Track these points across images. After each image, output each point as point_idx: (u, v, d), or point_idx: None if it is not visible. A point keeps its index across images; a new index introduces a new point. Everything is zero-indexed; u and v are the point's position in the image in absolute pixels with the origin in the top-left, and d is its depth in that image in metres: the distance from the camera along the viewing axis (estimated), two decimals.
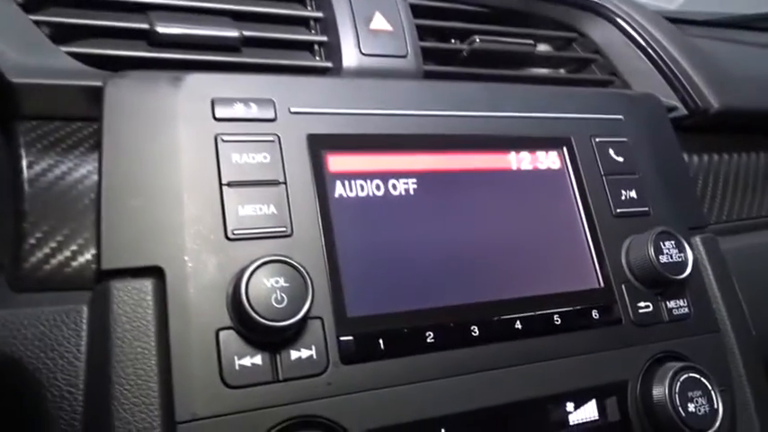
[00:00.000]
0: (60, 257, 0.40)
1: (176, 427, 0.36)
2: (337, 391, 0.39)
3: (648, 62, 0.64)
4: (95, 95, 0.41)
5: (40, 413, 0.37)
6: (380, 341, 0.41)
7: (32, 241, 0.40)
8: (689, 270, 0.49)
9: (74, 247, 0.40)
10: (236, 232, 0.40)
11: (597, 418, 0.46)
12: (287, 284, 0.38)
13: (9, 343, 0.36)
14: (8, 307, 0.37)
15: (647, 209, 0.53)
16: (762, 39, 0.78)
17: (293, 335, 0.39)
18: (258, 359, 0.38)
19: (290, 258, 0.39)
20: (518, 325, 0.45)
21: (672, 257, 0.49)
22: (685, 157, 0.63)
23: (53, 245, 0.40)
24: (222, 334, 0.38)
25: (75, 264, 0.40)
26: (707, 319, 0.52)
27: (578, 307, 0.47)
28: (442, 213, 0.46)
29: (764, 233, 0.63)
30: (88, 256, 0.40)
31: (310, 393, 0.38)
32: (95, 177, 0.41)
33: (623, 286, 0.50)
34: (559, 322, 0.46)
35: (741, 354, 0.53)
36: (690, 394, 0.47)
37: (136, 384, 0.36)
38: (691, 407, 0.46)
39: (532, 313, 0.46)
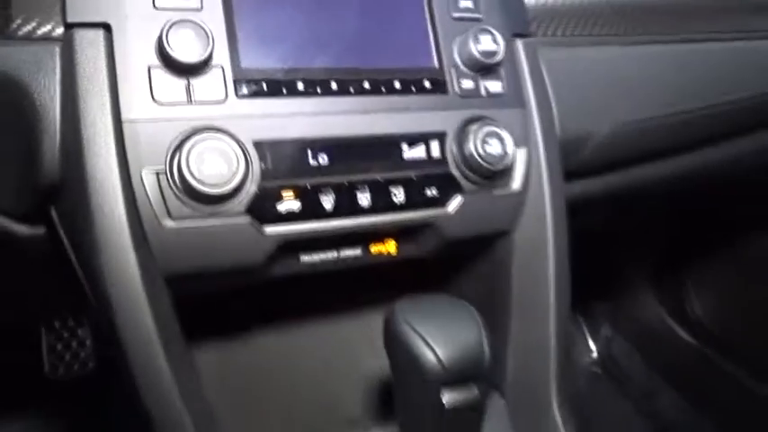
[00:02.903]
0: (40, 30, 0.57)
1: (122, 125, 0.55)
2: (233, 114, 0.58)
3: None
4: None
5: (30, 120, 0.56)
6: (264, 84, 0.60)
7: (18, 21, 0.57)
8: (500, 56, 0.68)
9: (50, 24, 0.57)
10: (158, 5, 0.57)
11: (425, 156, 0.67)
12: (196, 36, 0.56)
13: (10, 66, 0.54)
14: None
15: (479, 16, 0.71)
16: None
17: (201, 72, 0.57)
18: (179, 87, 0.57)
19: (199, 21, 0.57)
20: (366, 85, 0.64)
21: (488, 47, 0.68)
22: None
23: (34, 24, 0.57)
24: (152, 69, 0.56)
25: (52, 32, 0.57)
26: (516, 98, 0.72)
27: (416, 77, 0.67)
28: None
29: (582, 49, 0.82)
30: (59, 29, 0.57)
31: (214, 113, 0.58)
32: None
33: (452, 68, 0.69)
34: (399, 87, 0.66)
35: (541, 127, 0.73)
36: (489, 140, 0.67)
37: (93, 95, 0.55)
38: (488, 148, 0.67)
39: (377, 78, 0.65)
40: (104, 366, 1.32)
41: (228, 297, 0.72)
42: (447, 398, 0.52)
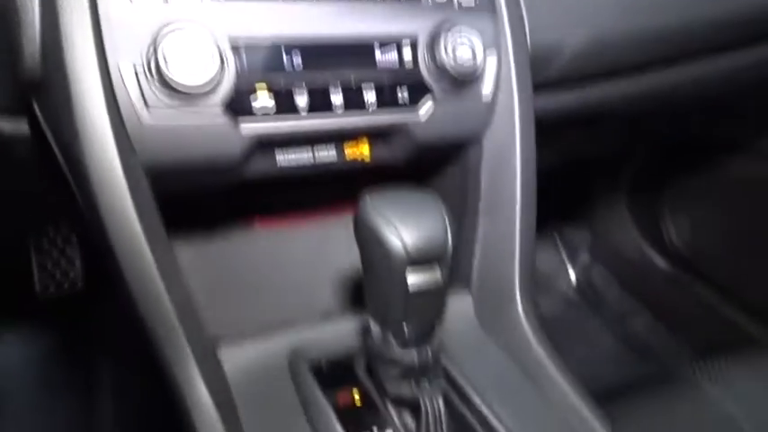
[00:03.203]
0: None
1: (99, 19, 0.57)
2: (209, 12, 0.60)
3: None
4: None
5: (10, 18, 0.57)
6: None
7: None
8: None
9: None
10: None
11: (396, 60, 0.68)
12: None
13: None
14: None
15: None
16: None
17: None
18: None
19: None
20: None
21: None
22: None
23: None
24: None
25: None
26: (488, 7, 0.74)
27: None
28: None
29: None
30: None
31: (190, 12, 0.59)
32: None
33: None
34: None
35: (512, 35, 0.75)
36: (459, 46, 0.69)
37: None
38: (459, 53, 0.69)
39: None
40: (93, 285, 1.36)
41: (211, 198, 0.75)
42: (411, 279, 0.55)
